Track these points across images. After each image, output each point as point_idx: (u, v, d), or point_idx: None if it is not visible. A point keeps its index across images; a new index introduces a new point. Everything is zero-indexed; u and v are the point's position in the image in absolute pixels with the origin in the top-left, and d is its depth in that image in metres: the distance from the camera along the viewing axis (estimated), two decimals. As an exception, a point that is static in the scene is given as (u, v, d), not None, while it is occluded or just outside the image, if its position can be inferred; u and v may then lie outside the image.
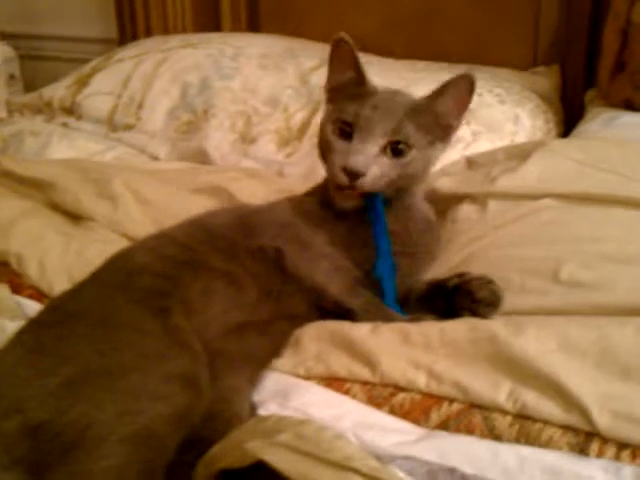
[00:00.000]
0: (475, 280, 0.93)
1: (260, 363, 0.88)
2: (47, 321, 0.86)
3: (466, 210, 1.16)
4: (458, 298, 0.93)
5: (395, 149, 0.96)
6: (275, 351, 0.90)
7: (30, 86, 2.37)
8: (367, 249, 0.98)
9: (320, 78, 1.74)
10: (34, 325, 0.86)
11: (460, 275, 0.96)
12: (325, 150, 1.00)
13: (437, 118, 0.99)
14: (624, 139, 1.44)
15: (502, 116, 1.62)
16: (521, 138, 1.58)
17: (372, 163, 0.95)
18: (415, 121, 0.97)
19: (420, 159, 0.99)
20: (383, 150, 0.96)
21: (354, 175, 0.94)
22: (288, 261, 0.94)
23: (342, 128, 0.98)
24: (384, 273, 0.96)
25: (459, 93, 0.98)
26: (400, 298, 0.97)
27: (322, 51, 1.91)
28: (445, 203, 1.19)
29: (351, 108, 0.97)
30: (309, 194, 1.09)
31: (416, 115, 0.98)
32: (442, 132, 1.01)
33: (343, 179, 0.95)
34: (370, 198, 0.98)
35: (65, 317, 0.84)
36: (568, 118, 1.85)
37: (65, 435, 0.69)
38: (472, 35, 2.00)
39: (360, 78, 1.01)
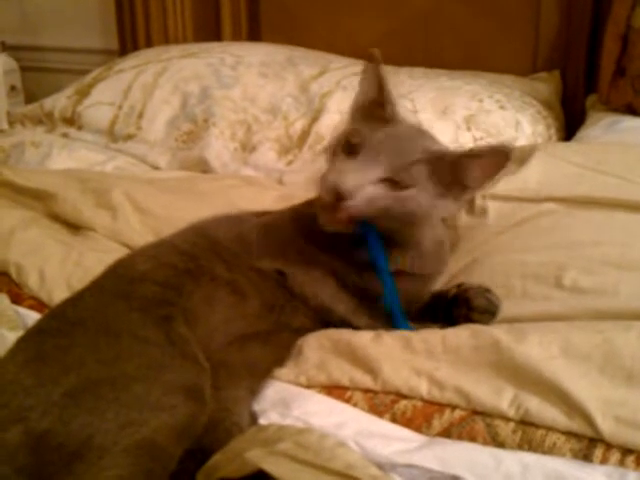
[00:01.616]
0: (472, 289, 0.93)
1: (262, 374, 0.87)
2: (48, 329, 0.85)
3: (467, 216, 1.15)
4: (456, 307, 0.93)
5: (395, 182, 0.88)
6: (278, 362, 0.89)
7: (32, 97, 2.37)
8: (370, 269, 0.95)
9: (320, 87, 1.75)
10: (35, 333, 0.85)
11: (459, 285, 0.96)
12: (327, 162, 0.94)
13: (458, 177, 0.91)
14: (626, 143, 1.44)
15: (503, 122, 1.62)
16: (522, 144, 1.58)
17: (363, 185, 0.86)
18: (431, 169, 0.89)
19: (422, 201, 0.89)
20: (381, 181, 0.87)
21: (339, 195, 0.85)
22: (292, 282, 0.93)
23: (350, 144, 0.90)
24: (388, 299, 0.92)
25: (491, 163, 0.90)
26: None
27: (322, 60, 1.93)
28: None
29: (366, 129, 0.90)
30: (309, 205, 1.02)
31: (435, 164, 0.89)
32: (458, 191, 0.93)
33: (326, 196, 0.87)
34: (363, 228, 0.90)
35: (67, 325, 0.84)
36: (569, 123, 1.85)
37: (68, 445, 0.69)
38: (472, 42, 2.00)
39: (381, 99, 0.94)
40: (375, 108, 0.94)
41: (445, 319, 0.94)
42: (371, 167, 0.87)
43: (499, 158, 0.89)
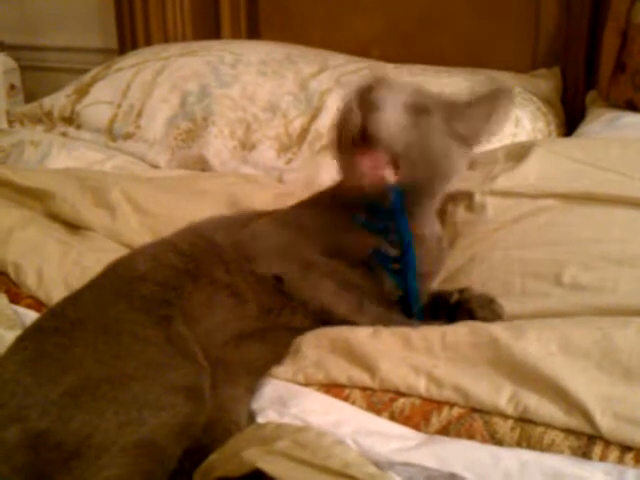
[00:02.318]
0: (475, 299, 0.92)
1: (260, 372, 0.87)
2: (48, 328, 0.85)
3: (466, 212, 1.15)
4: (459, 316, 0.92)
5: (415, 108, 0.90)
6: (276, 360, 0.89)
7: (31, 97, 2.37)
8: (375, 270, 0.96)
9: (319, 84, 1.74)
10: (35, 332, 0.86)
11: (461, 291, 0.94)
12: (343, 164, 0.95)
13: (469, 124, 0.94)
14: (626, 139, 1.43)
15: (502, 119, 1.61)
16: (522, 140, 1.57)
17: (391, 102, 0.88)
18: (443, 116, 0.92)
19: (440, 141, 0.91)
20: (403, 109, 0.89)
21: (370, 106, 0.87)
22: (290, 287, 0.92)
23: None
24: (408, 269, 0.93)
25: (496, 108, 0.93)
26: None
27: (321, 57, 1.92)
28: (445, 203, 1.18)
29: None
30: (309, 205, 1.04)
31: (447, 111, 0.92)
32: (470, 139, 0.95)
33: (356, 117, 0.88)
34: (394, 190, 0.90)
35: (66, 324, 0.84)
36: (569, 120, 1.84)
37: (66, 445, 0.69)
38: (472, 38, 2.00)
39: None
40: None
41: (447, 321, 0.92)
42: (392, 94, 0.89)
43: (503, 101, 0.93)
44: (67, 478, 0.68)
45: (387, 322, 0.90)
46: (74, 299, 0.90)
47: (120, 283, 0.91)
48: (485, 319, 0.88)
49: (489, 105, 0.93)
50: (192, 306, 0.88)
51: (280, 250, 0.95)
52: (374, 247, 0.94)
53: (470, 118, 0.93)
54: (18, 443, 0.70)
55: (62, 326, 0.84)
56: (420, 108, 0.90)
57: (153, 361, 0.79)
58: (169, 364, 0.79)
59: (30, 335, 0.85)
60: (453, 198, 1.19)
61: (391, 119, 0.88)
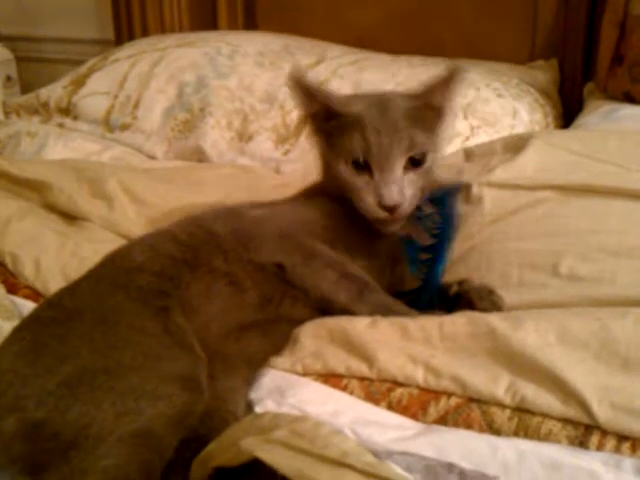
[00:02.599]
0: (475, 290, 0.92)
1: (258, 363, 0.87)
2: (45, 318, 0.85)
3: (463, 204, 1.15)
4: (458, 308, 0.92)
5: (413, 160, 0.95)
6: (275, 352, 0.89)
7: (27, 88, 2.36)
8: (377, 259, 0.97)
9: (317, 75, 1.74)
10: (32, 322, 0.85)
11: (460, 283, 0.95)
12: (347, 189, 0.97)
13: (432, 109, 0.98)
14: (624, 131, 1.43)
15: (500, 110, 1.61)
16: (520, 132, 1.57)
17: (403, 187, 0.93)
18: (417, 123, 0.95)
19: (437, 156, 0.99)
20: (405, 169, 0.95)
21: (392, 208, 0.93)
22: (291, 275, 0.92)
23: (355, 163, 0.95)
24: (440, 258, 0.96)
25: (449, 83, 0.98)
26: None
27: (319, 48, 1.92)
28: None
29: (354, 144, 0.94)
30: (306, 196, 1.05)
31: (414, 116, 0.96)
32: (438, 119, 1.00)
33: (383, 214, 0.94)
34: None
35: (63, 315, 0.84)
36: (567, 112, 1.84)
37: (63, 435, 0.69)
38: (470, 30, 1.99)
39: (333, 109, 0.97)
40: (335, 117, 0.97)
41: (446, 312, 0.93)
42: (392, 168, 0.93)
43: (454, 74, 0.98)
44: (65, 468, 0.67)
45: (387, 312, 0.90)
46: (71, 290, 0.90)
47: (117, 274, 0.90)
48: (485, 310, 0.88)
49: (446, 79, 0.98)
50: (190, 296, 0.88)
51: (282, 238, 0.95)
52: (405, 235, 0.98)
53: (431, 100, 0.98)
54: (15, 433, 0.70)
55: (59, 316, 0.84)
56: (415, 155, 0.95)
57: (150, 351, 0.79)
58: (166, 354, 0.79)
59: (27, 325, 0.85)
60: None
61: (410, 197, 0.95)
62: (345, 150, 0.95)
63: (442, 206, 0.99)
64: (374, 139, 0.93)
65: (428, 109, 0.98)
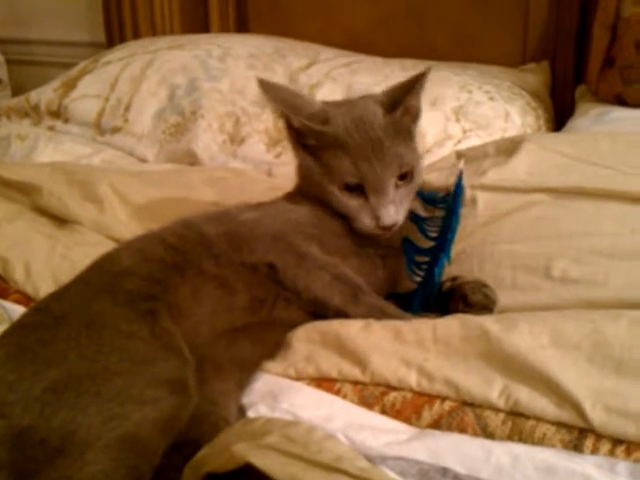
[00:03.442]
0: (468, 284, 0.93)
1: (251, 368, 0.87)
2: (31, 324, 0.84)
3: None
4: (452, 302, 0.92)
5: (402, 175, 0.97)
6: (267, 356, 0.89)
7: (18, 90, 2.35)
8: (368, 258, 0.98)
9: (309, 78, 1.73)
10: (18, 328, 0.84)
11: (453, 279, 0.95)
12: (339, 208, 0.98)
13: (408, 114, 1.00)
14: (615, 134, 1.43)
15: (492, 113, 1.62)
16: (511, 135, 1.57)
17: (398, 206, 0.96)
18: (399, 137, 0.97)
19: (421, 163, 1.01)
20: (395, 186, 0.97)
21: (390, 227, 0.96)
22: (284, 276, 0.92)
23: (347, 185, 0.96)
24: (440, 259, 0.96)
25: (420, 83, 0.99)
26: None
27: (311, 51, 1.91)
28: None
29: (344, 168, 0.95)
30: (291, 199, 1.05)
31: (396, 130, 0.97)
32: (414, 123, 1.01)
33: (381, 232, 0.97)
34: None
35: (50, 319, 0.83)
36: (559, 114, 1.85)
37: (50, 441, 0.68)
38: (461, 33, 2.00)
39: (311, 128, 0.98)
40: (316, 132, 0.98)
41: (439, 311, 0.93)
42: (385, 191, 0.95)
43: (423, 76, 0.98)
44: (52, 475, 0.66)
45: (380, 315, 0.90)
46: (59, 294, 0.89)
47: (105, 278, 0.90)
48: (479, 303, 0.89)
49: (416, 80, 0.98)
50: (179, 299, 0.87)
51: (274, 239, 0.94)
52: (404, 236, 0.99)
53: (407, 104, 0.98)
54: (1, 439, 0.69)
55: (45, 321, 0.83)
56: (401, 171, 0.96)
57: (136, 355, 0.78)
58: (153, 358, 0.78)
59: (13, 331, 0.84)
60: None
61: (404, 211, 0.98)
62: (334, 173, 0.96)
63: (442, 208, 1.00)
64: (366, 168, 0.95)
65: (405, 114, 0.99)
